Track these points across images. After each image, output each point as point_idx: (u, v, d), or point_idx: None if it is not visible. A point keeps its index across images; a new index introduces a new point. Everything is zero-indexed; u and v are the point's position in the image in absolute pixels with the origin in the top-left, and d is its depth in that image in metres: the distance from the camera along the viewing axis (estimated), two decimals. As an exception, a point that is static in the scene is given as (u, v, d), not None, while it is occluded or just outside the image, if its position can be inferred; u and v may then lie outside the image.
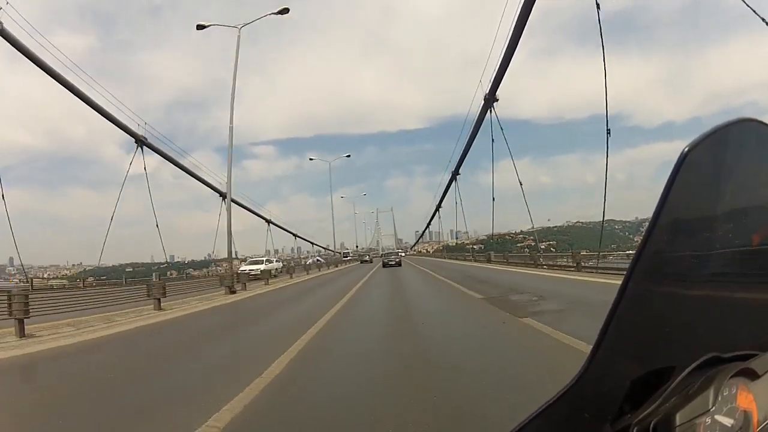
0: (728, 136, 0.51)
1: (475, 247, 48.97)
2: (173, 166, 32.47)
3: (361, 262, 51.54)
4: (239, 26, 18.40)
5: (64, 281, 38.00)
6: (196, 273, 45.16)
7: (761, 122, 0.54)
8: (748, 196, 0.55)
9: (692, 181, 0.48)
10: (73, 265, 64.89)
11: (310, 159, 50.94)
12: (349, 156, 56.30)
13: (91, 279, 35.20)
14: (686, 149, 0.47)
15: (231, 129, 17.92)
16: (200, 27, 18.94)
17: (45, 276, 45.77)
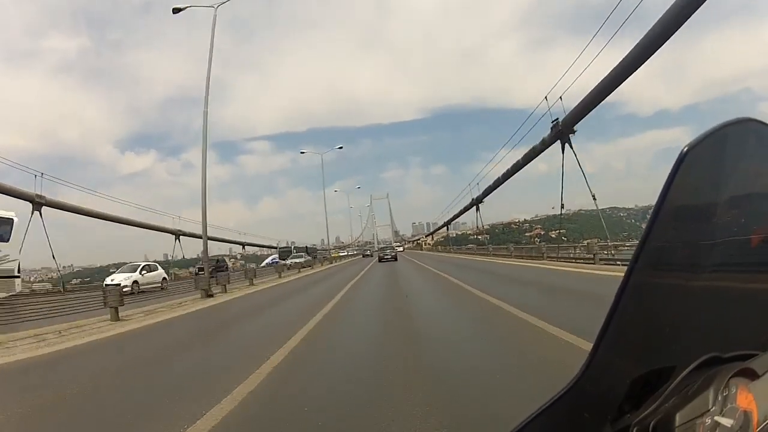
0: (728, 135, 0.50)
1: (480, 237, 46.42)
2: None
3: (363, 256, 56.38)
4: (215, 6, 18.09)
5: (48, 285, 36.02)
6: (180, 273, 42.37)
7: (761, 122, 0.53)
8: (747, 196, 0.53)
9: (691, 181, 0.47)
10: (64, 266, 62.98)
11: (302, 152, 49.32)
12: (341, 148, 56.50)
13: (76, 281, 33.47)
14: (685, 149, 0.46)
15: (205, 113, 16.77)
16: (176, 10, 18.30)
17: (31, 279, 43.85)
